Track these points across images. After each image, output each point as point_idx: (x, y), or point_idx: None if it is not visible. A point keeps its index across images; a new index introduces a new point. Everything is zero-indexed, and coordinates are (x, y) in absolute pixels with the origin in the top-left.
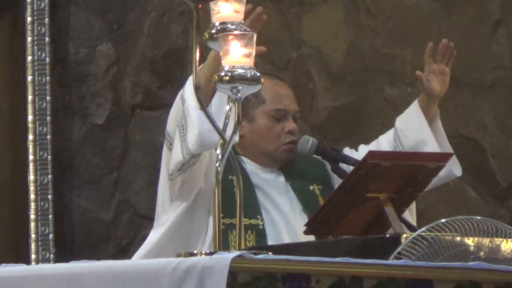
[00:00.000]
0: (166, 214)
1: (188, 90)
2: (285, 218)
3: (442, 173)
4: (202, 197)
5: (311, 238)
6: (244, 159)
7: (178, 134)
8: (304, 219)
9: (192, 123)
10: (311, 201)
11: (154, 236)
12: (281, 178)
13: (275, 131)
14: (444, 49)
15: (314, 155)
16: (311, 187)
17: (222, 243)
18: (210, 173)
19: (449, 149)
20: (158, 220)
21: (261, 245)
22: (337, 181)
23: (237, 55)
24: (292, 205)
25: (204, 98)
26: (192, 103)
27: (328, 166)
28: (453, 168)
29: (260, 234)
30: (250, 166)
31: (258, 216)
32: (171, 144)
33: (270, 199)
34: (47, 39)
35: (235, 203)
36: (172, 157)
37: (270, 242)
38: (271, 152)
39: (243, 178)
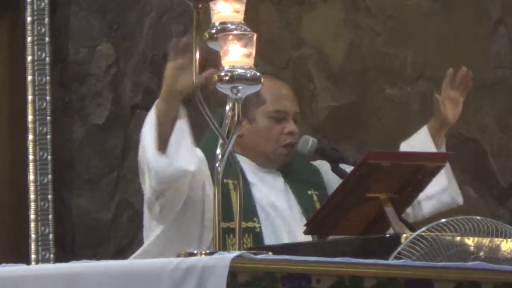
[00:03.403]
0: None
1: (146, 126)
2: (284, 221)
3: (447, 200)
4: (190, 207)
5: (310, 239)
6: (243, 158)
7: (145, 169)
8: (304, 222)
9: (149, 163)
10: (309, 205)
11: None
12: (280, 179)
13: (275, 132)
14: (462, 77)
15: (311, 162)
16: (309, 192)
17: (222, 248)
18: (193, 184)
19: (453, 179)
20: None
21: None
22: (332, 190)
23: (237, 55)
24: (291, 207)
25: (165, 134)
26: (148, 140)
27: (324, 173)
28: (456, 196)
29: (257, 237)
30: (248, 165)
31: (255, 219)
32: (143, 174)
33: (268, 200)
34: (47, 39)
35: (232, 207)
36: (144, 191)
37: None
38: (269, 153)
39: (237, 183)
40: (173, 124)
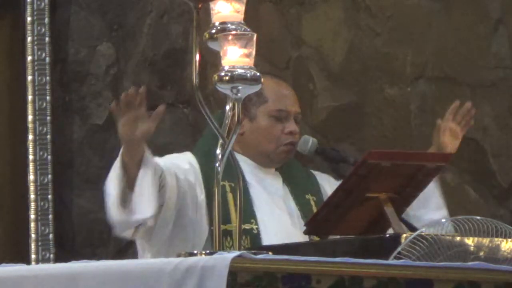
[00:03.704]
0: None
1: (110, 177)
2: (282, 222)
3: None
4: (183, 227)
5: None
6: (243, 157)
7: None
8: (301, 224)
9: (111, 217)
10: (307, 209)
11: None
12: (279, 180)
13: (275, 131)
14: (466, 112)
15: (311, 170)
16: (306, 196)
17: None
18: (183, 196)
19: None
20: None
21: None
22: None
23: (237, 55)
24: (289, 209)
25: (129, 184)
26: (111, 193)
27: (322, 186)
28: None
29: (255, 239)
30: (247, 165)
31: (252, 220)
32: None
33: (267, 201)
34: (47, 39)
35: (229, 209)
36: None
37: None
38: (269, 152)
39: (234, 185)
40: (138, 169)
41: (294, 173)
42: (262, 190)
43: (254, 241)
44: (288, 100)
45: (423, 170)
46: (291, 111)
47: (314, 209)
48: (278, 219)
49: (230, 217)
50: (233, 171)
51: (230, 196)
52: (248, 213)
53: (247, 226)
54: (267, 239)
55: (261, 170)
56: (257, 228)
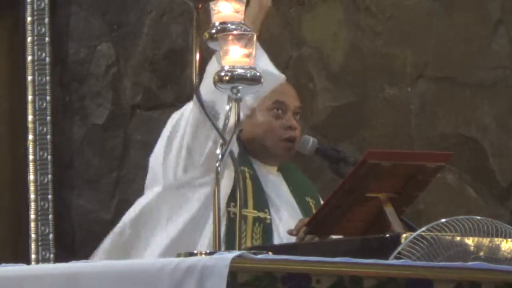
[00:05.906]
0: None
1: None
2: (286, 223)
3: None
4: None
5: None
6: (251, 159)
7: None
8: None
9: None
10: (308, 210)
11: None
12: (283, 182)
13: (274, 126)
14: None
15: (306, 174)
16: (306, 198)
17: (233, 233)
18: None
19: None
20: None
21: (263, 244)
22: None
23: (237, 55)
24: (293, 208)
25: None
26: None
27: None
28: None
29: (267, 228)
30: (256, 166)
31: (266, 210)
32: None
33: (275, 196)
34: (47, 39)
35: (247, 195)
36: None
37: (274, 241)
38: (269, 148)
39: (253, 173)
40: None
41: (293, 176)
42: (270, 185)
43: (266, 230)
44: (285, 93)
45: (423, 170)
46: (289, 104)
47: (313, 212)
48: (283, 219)
49: (248, 203)
50: (247, 159)
51: (249, 182)
52: (263, 201)
53: (261, 215)
54: (277, 231)
55: (266, 171)
56: (270, 218)
